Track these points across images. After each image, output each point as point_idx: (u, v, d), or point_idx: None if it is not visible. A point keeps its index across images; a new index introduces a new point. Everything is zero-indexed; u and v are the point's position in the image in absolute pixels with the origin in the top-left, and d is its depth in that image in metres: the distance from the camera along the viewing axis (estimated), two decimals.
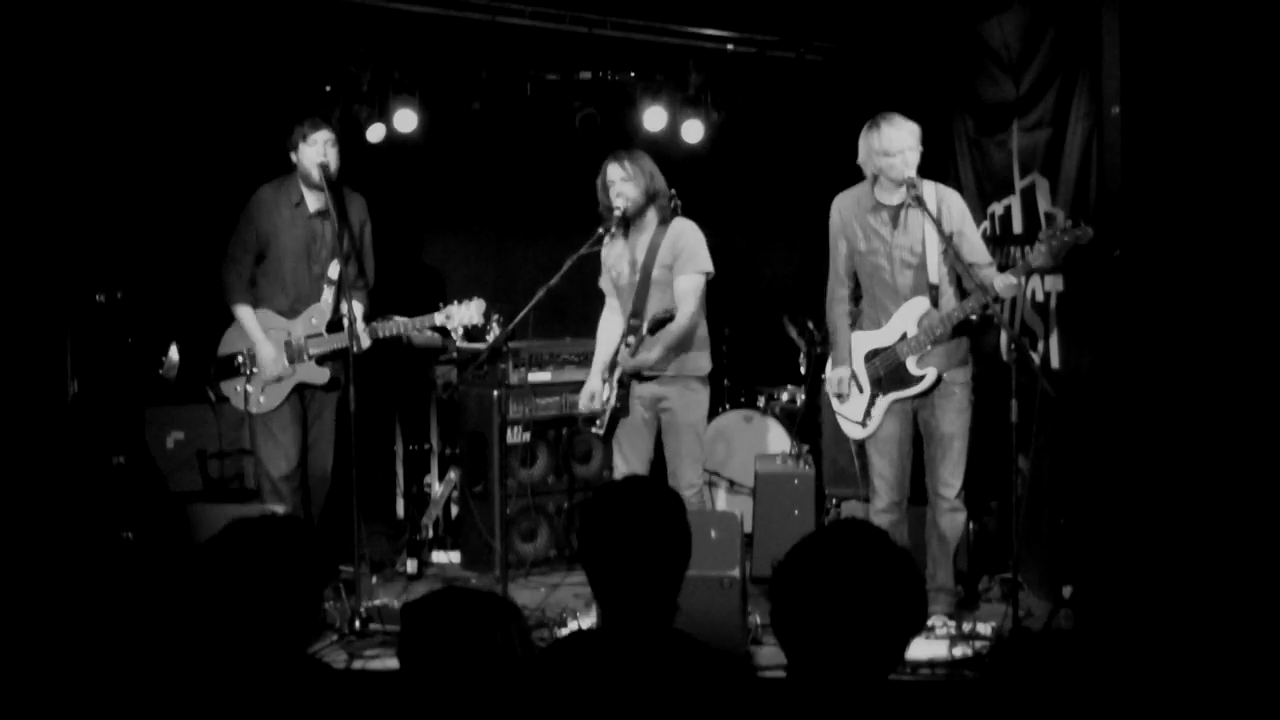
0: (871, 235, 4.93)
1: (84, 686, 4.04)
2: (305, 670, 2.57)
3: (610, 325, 5.41)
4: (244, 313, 5.34)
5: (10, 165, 5.34)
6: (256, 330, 5.33)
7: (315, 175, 5.25)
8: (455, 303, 5.36)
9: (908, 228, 4.87)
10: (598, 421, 5.25)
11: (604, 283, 5.42)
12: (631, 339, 5.15)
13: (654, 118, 6.76)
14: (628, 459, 5.26)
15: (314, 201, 5.38)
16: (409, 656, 2.37)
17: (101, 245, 5.90)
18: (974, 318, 4.94)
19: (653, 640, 2.55)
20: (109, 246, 5.94)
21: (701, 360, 5.24)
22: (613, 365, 5.24)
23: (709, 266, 5.20)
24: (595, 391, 5.30)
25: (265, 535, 2.55)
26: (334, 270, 5.37)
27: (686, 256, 5.17)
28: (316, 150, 5.27)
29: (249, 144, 5.95)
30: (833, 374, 5.10)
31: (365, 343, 5.22)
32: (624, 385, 5.17)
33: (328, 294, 5.38)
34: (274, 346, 5.32)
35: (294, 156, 5.33)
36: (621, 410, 5.19)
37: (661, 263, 5.18)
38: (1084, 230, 4.57)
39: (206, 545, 2.56)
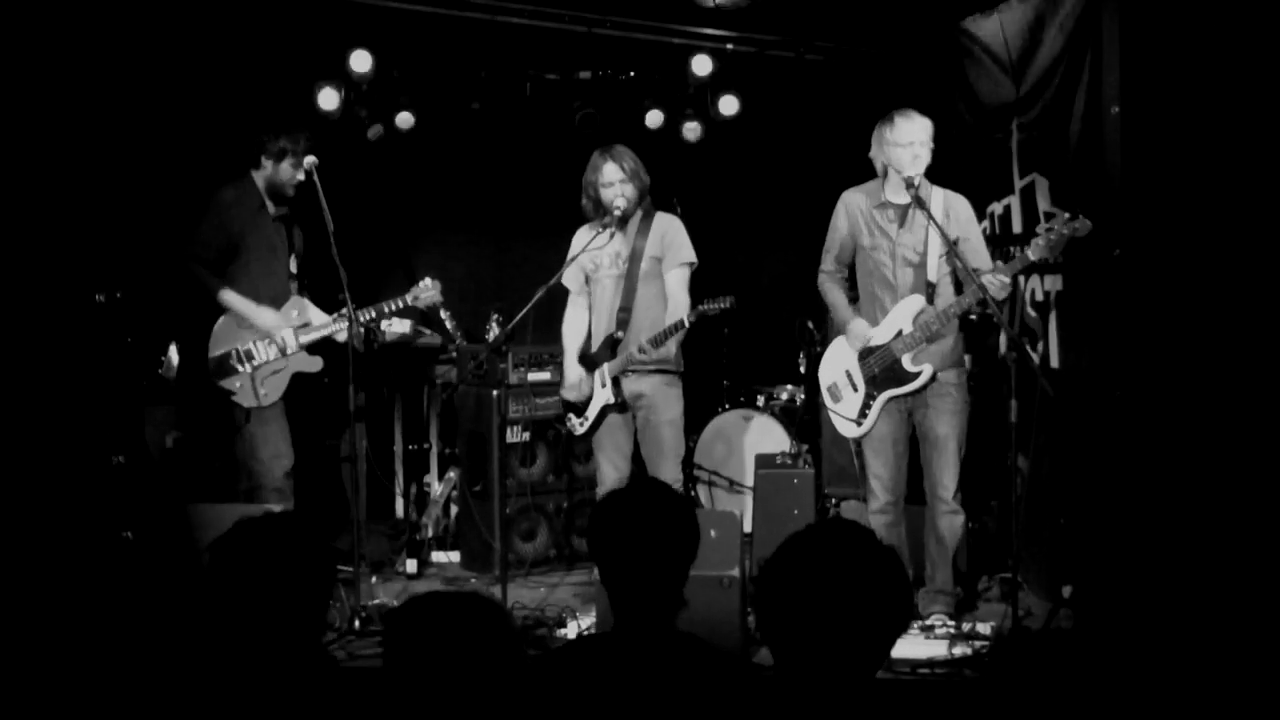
0: (876, 231, 4.93)
1: (85, 686, 4.04)
2: (315, 666, 2.57)
3: (577, 320, 5.36)
4: (229, 295, 5.36)
5: (10, 166, 5.34)
6: (247, 304, 5.35)
7: (290, 192, 5.40)
8: (417, 283, 5.55)
9: (913, 227, 4.87)
10: (582, 418, 5.26)
11: (572, 278, 5.32)
12: (620, 334, 5.16)
13: (654, 118, 6.78)
14: (610, 457, 5.27)
15: (272, 206, 5.49)
16: (394, 661, 2.37)
17: (101, 245, 5.90)
18: (973, 316, 4.93)
19: (660, 641, 2.59)
20: (109, 246, 5.94)
21: (678, 354, 5.24)
22: (591, 362, 5.23)
23: (694, 257, 5.24)
24: (580, 379, 5.26)
25: (272, 534, 2.55)
26: (293, 265, 5.53)
27: (675, 250, 5.20)
28: (300, 171, 5.35)
29: (249, 144, 5.94)
30: (850, 330, 4.98)
31: (347, 327, 5.28)
32: (616, 384, 5.17)
33: (294, 288, 5.52)
34: (271, 314, 5.38)
35: (266, 162, 5.41)
36: (616, 407, 5.19)
37: (650, 255, 5.18)
38: (1082, 223, 4.53)
39: (214, 545, 2.56)
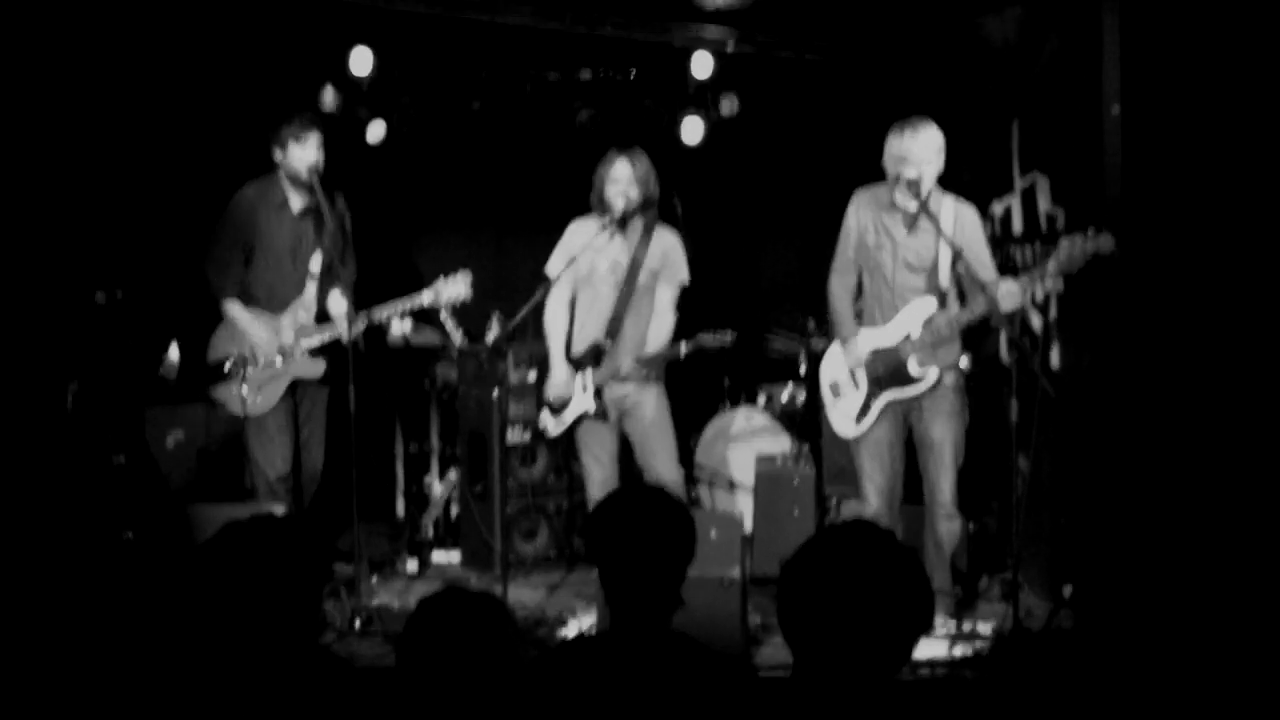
0: (882, 232, 4.91)
1: (85, 686, 4.04)
2: (314, 665, 2.58)
3: (559, 312, 5.30)
4: (234, 308, 5.34)
5: (10, 166, 5.34)
6: (248, 321, 5.32)
7: (305, 176, 5.22)
8: (441, 278, 5.25)
9: (919, 233, 4.86)
10: (557, 419, 5.23)
11: (556, 265, 5.22)
12: (608, 342, 5.16)
13: (655, 118, 6.78)
14: (596, 455, 5.25)
15: (298, 201, 5.37)
16: (407, 655, 2.38)
17: (101, 245, 5.90)
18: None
19: (655, 643, 2.60)
20: (109, 246, 5.94)
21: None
22: (573, 365, 5.21)
23: (688, 278, 5.28)
24: (566, 379, 5.21)
25: (261, 536, 2.55)
26: (315, 264, 5.36)
27: (673, 268, 5.23)
28: (309, 151, 5.24)
29: (250, 144, 5.95)
30: (847, 348, 4.98)
31: (359, 326, 5.17)
32: (598, 393, 5.17)
33: (311, 288, 5.37)
34: (266, 329, 5.31)
35: (279, 154, 5.28)
36: (596, 415, 5.18)
37: (649, 269, 5.19)
38: (1105, 238, 4.49)
39: (203, 548, 2.57)
